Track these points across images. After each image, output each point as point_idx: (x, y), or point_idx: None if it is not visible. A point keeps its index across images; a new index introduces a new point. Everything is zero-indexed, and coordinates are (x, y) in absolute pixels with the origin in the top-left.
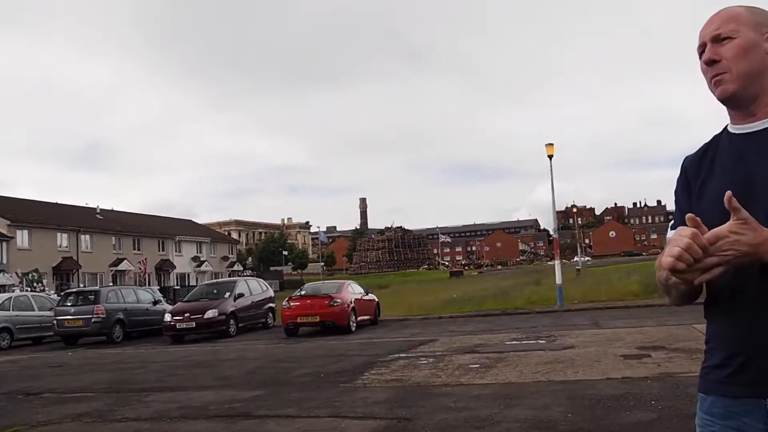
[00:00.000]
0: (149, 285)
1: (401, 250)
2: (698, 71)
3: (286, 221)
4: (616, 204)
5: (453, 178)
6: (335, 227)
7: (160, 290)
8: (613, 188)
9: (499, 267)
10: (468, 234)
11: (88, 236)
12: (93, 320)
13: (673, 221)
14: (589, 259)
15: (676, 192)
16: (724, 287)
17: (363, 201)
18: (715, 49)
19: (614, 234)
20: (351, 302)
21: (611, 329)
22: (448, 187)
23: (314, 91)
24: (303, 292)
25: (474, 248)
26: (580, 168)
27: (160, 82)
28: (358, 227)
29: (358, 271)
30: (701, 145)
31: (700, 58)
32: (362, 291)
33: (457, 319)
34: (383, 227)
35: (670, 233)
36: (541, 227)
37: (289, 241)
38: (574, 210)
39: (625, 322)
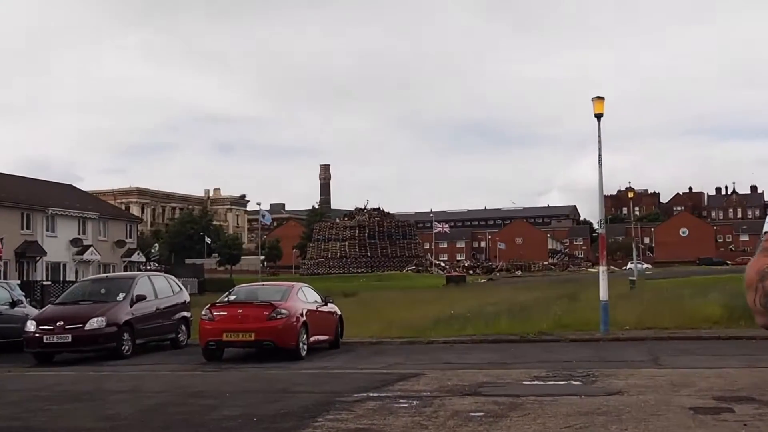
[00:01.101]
0: (5, 278)
1: (378, 243)
2: None
3: (212, 193)
4: (690, 189)
5: (456, 144)
6: (283, 205)
7: (21, 286)
8: (686, 166)
9: (518, 273)
10: (475, 223)
11: None
12: None
13: None
14: (649, 266)
15: None
16: None
17: (325, 169)
18: None
19: (686, 232)
20: (302, 315)
21: (677, 369)
22: (448, 156)
23: (262, 6)
24: (233, 298)
25: (483, 244)
26: (639, 135)
27: None
28: (317, 206)
29: (315, 271)
30: None
31: None
32: (319, 299)
33: (455, 345)
34: (353, 208)
35: None
36: (581, 217)
37: (215, 223)
38: (630, 195)
39: (698, 360)
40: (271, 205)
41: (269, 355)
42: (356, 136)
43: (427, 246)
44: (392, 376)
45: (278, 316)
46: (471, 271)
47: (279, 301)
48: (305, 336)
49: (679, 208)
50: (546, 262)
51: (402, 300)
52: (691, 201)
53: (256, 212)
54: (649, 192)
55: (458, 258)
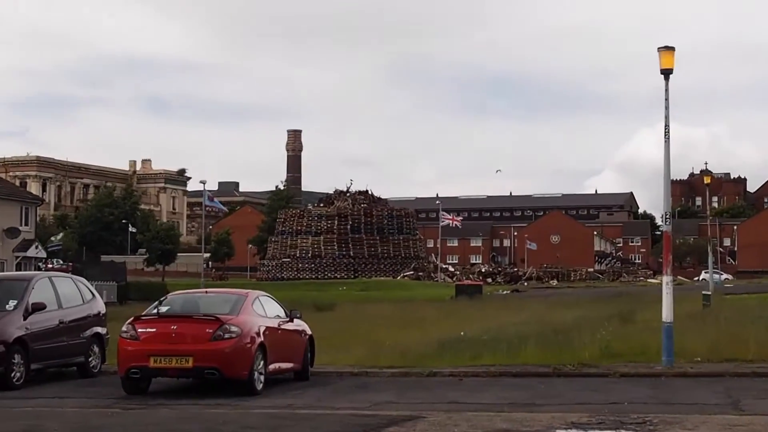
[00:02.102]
0: None
1: (365, 238)
2: None
3: (139, 167)
4: None
5: (473, 106)
6: (237, 185)
7: None
8: None
9: (554, 282)
10: (497, 215)
11: None
12: None
13: None
14: (730, 277)
15: None
16: None
17: (294, 137)
18: None
19: None
20: (258, 334)
21: (765, 416)
22: (462, 122)
23: None
24: (164, 310)
25: (507, 243)
26: (722, 100)
27: None
28: (282, 187)
29: (278, 275)
30: None
31: None
32: (282, 313)
33: (466, 378)
34: (331, 191)
35: None
36: (640, 210)
37: (143, 207)
38: (707, 181)
39: None
40: (220, 184)
41: (213, 388)
42: (337, 93)
43: (431, 244)
44: (380, 420)
45: (226, 336)
46: (490, 280)
47: (228, 314)
48: (262, 363)
49: None
50: (591, 269)
51: (395, 316)
52: None
53: (200, 194)
54: (733, 177)
55: (473, 261)
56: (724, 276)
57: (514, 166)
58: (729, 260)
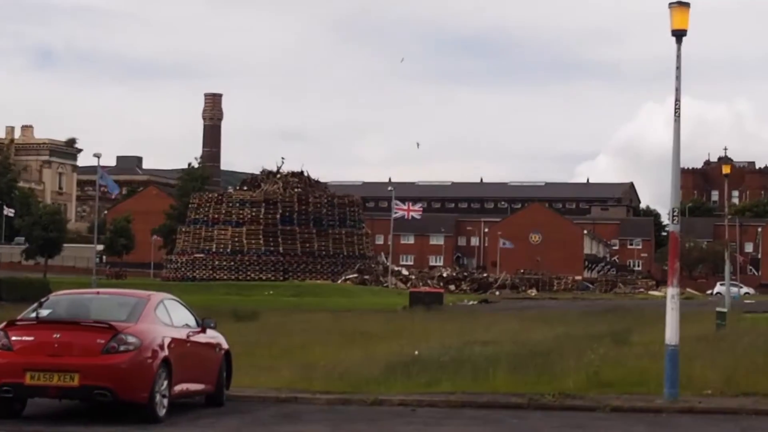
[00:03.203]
0: None
1: (298, 231)
2: None
3: (17, 134)
4: None
5: (440, 70)
6: (140, 159)
7: None
8: None
9: (532, 292)
10: (463, 205)
11: None
12: None
13: None
14: (750, 291)
15: None
16: None
17: (213, 103)
18: None
19: None
20: (162, 347)
21: None
22: (425, 90)
23: None
24: (46, 314)
25: (475, 241)
26: (745, 72)
27: None
28: (197, 163)
29: (189, 274)
30: None
31: None
32: (193, 322)
33: (420, 409)
34: (258, 170)
35: None
36: (642, 204)
37: (21, 184)
38: (725, 171)
39: None
40: (119, 159)
41: (104, 411)
42: (269, 50)
43: (380, 241)
44: None
45: (122, 348)
46: (453, 287)
47: (124, 322)
48: (166, 383)
49: None
50: (579, 277)
51: (334, 330)
52: None
53: (93, 170)
54: (758, 167)
55: (432, 263)
56: (744, 290)
57: (487, 147)
58: (750, 270)
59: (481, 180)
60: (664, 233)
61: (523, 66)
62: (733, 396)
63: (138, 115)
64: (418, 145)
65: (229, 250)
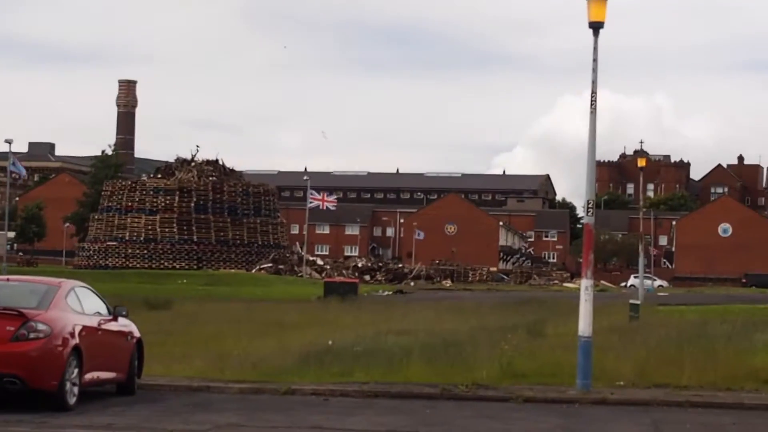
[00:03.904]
0: None
1: (212, 220)
2: None
3: None
4: (741, 159)
5: (354, 60)
6: (52, 146)
7: None
8: (737, 121)
9: (447, 283)
10: (379, 196)
11: None
12: None
13: None
14: (664, 283)
15: None
16: None
17: (127, 88)
18: None
19: (729, 230)
20: (72, 335)
21: None
22: (339, 80)
23: None
24: None
25: (391, 231)
26: (663, 66)
27: None
28: (110, 150)
29: (101, 262)
30: None
31: None
32: (104, 310)
33: (333, 398)
34: (172, 158)
35: None
36: (558, 196)
37: None
38: (641, 164)
39: None
40: (30, 145)
41: (12, 401)
42: (184, 36)
43: (295, 230)
44: None
45: (31, 336)
46: (368, 277)
47: (35, 309)
48: (77, 371)
49: (719, 191)
50: (494, 269)
51: (247, 319)
52: (740, 179)
53: (4, 156)
54: (674, 161)
55: (348, 253)
56: (658, 282)
57: (404, 137)
58: (665, 263)
59: (398, 170)
60: (580, 225)
61: (442, 56)
62: (646, 387)
63: (51, 101)
64: (324, 134)
65: (142, 239)
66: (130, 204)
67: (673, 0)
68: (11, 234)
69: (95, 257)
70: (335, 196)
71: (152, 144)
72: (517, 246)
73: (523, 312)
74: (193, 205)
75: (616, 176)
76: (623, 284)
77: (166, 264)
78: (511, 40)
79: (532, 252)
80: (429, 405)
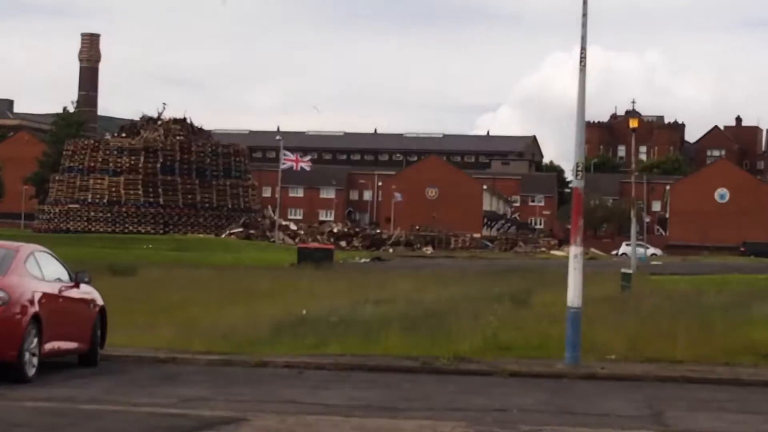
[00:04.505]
0: None
1: (180, 182)
2: None
3: None
4: (739, 121)
5: (331, 14)
6: (11, 102)
7: None
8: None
9: (428, 250)
10: (356, 157)
11: None
12: None
13: None
14: (657, 251)
15: None
16: None
17: (90, 44)
18: None
19: (726, 195)
20: (32, 302)
21: None
22: (315, 34)
23: None
24: None
25: (368, 195)
26: (658, 20)
27: None
28: (72, 108)
29: (62, 225)
30: None
31: None
32: (66, 276)
33: (306, 371)
34: (137, 116)
35: None
36: (545, 159)
37: None
38: (633, 125)
39: (731, 420)
40: None
41: None
42: None
43: (267, 193)
44: (189, 423)
45: None
46: (344, 243)
47: None
48: (36, 341)
49: (716, 154)
50: (478, 235)
51: (216, 287)
52: (738, 142)
53: None
54: (667, 122)
55: (323, 218)
56: (651, 250)
57: (382, 95)
58: (658, 230)
59: (376, 131)
60: (568, 190)
61: (423, 11)
62: (638, 362)
63: (8, 54)
64: (316, 107)
65: (105, 201)
66: (92, 164)
67: None
68: None
69: (56, 220)
70: (310, 157)
71: (116, 101)
72: (502, 211)
73: (509, 281)
74: (159, 165)
75: (606, 138)
76: (614, 252)
77: (130, 228)
78: None
79: (517, 217)
80: (408, 379)
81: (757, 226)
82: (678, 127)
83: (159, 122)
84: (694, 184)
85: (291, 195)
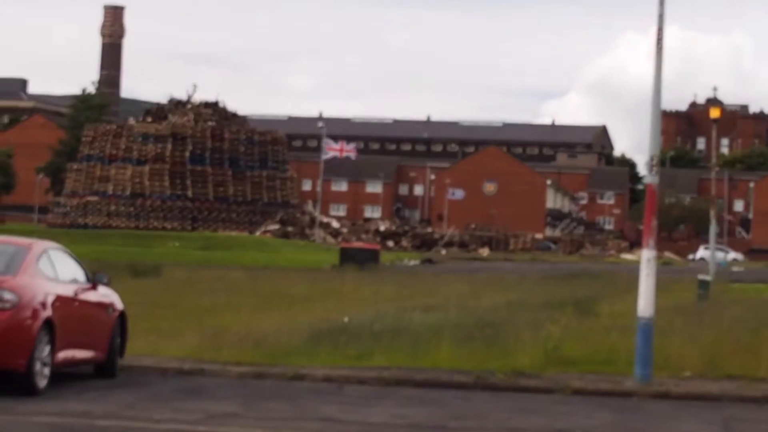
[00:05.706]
0: None
1: (211, 172)
2: None
3: None
4: None
5: None
6: (24, 82)
7: None
8: None
9: (485, 252)
10: (406, 147)
11: None
12: None
13: None
14: (739, 256)
15: None
16: None
17: (113, 16)
18: None
19: None
20: (44, 305)
21: None
22: (362, 11)
23: None
24: None
25: (420, 189)
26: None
27: None
28: (93, 91)
29: (80, 220)
30: None
31: None
32: (82, 277)
33: (348, 385)
34: (165, 99)
35: None
36: (616, 152)
37: None
38: (715, 115)
39: None
40: None
41: None
42: None
43: (307, 186)
44: None
45: None
46: (391, 243)
47: (1, 274)
48: (49, 348)
49: None
50: (540, 236)
51: (249, 290)
52: None
53: None
54: (752, 112)
55: (368, 215)
56: (732, 255)
57: (436, 79)
58: (740, 232)
59: (428, 118)
60: (641, 186)
61: None
62: (716, 379)
63: (23, 30)
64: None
65: (128, 193)
66: (114, 152)
67: None
68: None
69: (72, 214)
70: (354, 147)
71: (142, 82)
72: (567, 209)
73: (573, 287)
74: (188, 154)
75: (684, 129)
76: (691, 257)
77: (155, 224)
78: None
79: (584, 217)
80: (460, 395)
81: None
82: (764, 118)
83: (188, 106)
84: None
85: (333, 189)
